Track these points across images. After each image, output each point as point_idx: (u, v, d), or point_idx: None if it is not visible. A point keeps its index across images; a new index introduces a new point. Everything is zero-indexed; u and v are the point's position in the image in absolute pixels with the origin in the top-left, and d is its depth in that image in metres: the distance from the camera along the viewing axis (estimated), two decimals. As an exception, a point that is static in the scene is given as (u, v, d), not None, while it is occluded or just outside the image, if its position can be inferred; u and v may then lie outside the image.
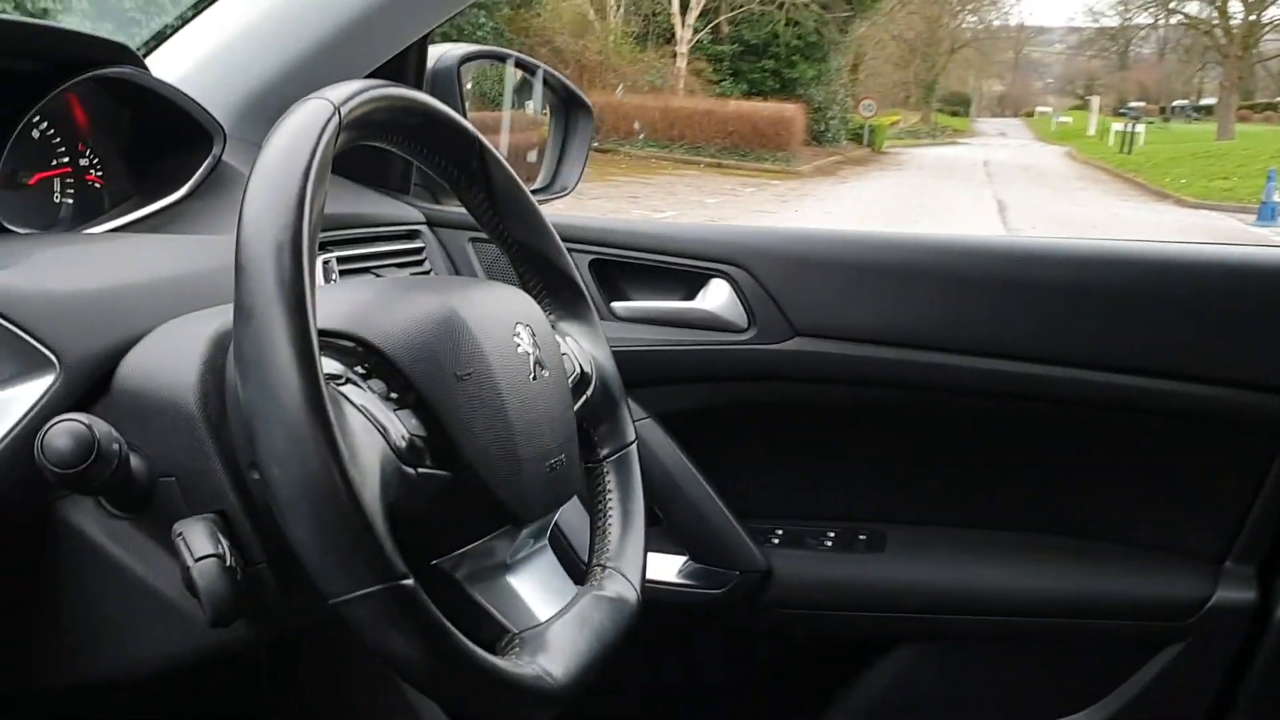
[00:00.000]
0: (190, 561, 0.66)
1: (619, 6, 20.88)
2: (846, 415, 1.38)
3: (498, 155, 0.83)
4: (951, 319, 1.30)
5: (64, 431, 0.64)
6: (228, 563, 0.67)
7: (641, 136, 16.93)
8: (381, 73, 1.24)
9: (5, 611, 0.78)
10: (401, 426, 0.69)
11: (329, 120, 0.65)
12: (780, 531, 1.39)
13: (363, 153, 1.31)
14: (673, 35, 20.70)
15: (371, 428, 0.67)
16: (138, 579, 0.75)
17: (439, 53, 1.37)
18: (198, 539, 0.68)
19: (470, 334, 0.72)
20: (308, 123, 0.65)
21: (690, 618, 1.34)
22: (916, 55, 40.08)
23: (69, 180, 1.04)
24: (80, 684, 0.79)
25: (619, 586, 0.84)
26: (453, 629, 0.64)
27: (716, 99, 19.73)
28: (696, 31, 20.95)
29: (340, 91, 0.67)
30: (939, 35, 41.40)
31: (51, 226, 1.02)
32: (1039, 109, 61.38)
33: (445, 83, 1.36)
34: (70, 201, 1.04)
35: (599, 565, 0.86)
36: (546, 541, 0.82)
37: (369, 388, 0.69)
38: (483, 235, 1.33)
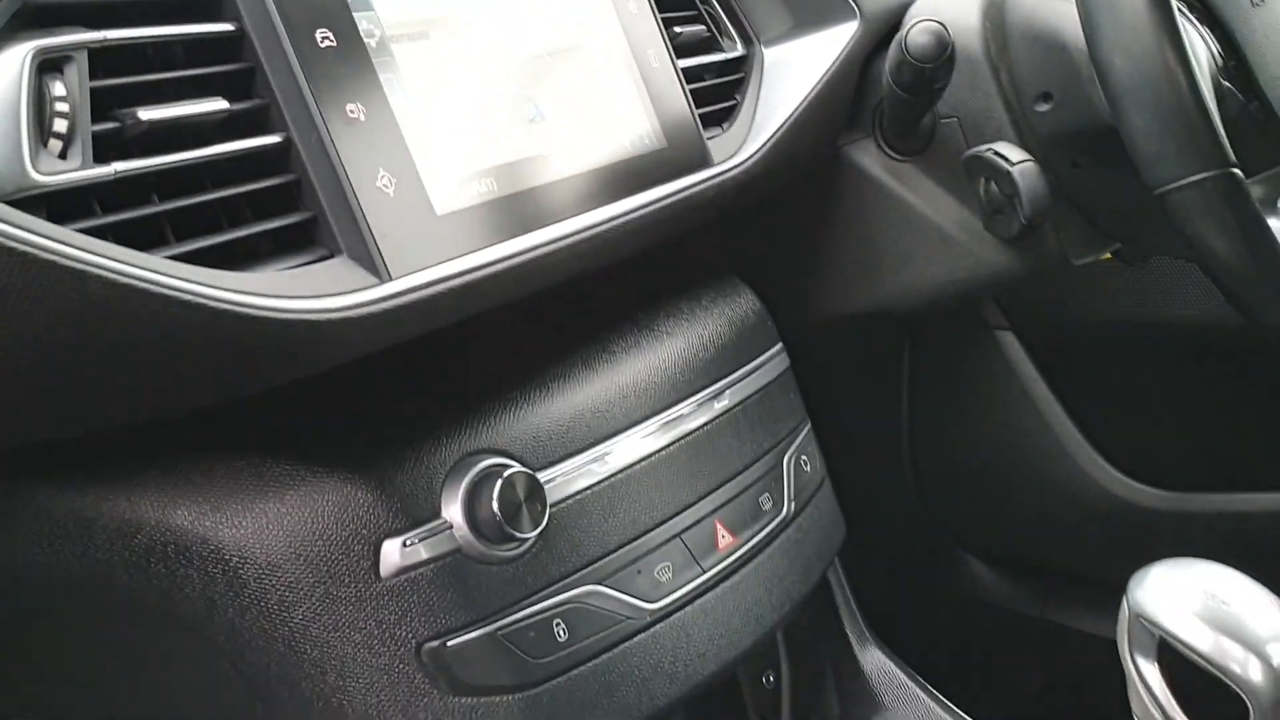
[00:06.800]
0: (1007, 166, 0.73)
1: None
2: None
3: None
4: None
5: (925, 30, 0.73)
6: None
7: None
8: None
9: (799, 248, 0.90)
10: (1207, 41, 0.71)
11: None
12: None
13: None
14: None
15: (1196, 33, 0.70)
16: (919, 214, 0.84)
17: None
18: (1009, 150, 0.74)
19: None
20: None
21: None
22: None
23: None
24: (854, 314, 0.91)
25: None
26: (1269, 224, 0.66)
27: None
28: None
29: None
30: None
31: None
32: None
33: None
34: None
35: None
36: None
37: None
38: None
